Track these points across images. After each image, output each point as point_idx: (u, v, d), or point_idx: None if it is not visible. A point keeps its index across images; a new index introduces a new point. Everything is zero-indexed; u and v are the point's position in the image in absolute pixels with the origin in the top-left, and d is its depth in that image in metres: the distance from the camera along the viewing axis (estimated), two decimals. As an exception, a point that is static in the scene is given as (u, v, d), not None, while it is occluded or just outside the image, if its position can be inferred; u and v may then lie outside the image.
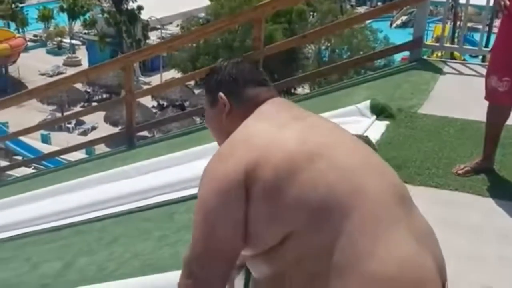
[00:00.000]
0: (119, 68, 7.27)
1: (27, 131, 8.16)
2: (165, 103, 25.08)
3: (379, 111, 3.75)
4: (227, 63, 1.38)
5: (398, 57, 15.18)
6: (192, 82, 26.88)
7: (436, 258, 1.17)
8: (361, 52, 20.63)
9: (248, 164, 1.16)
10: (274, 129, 1.22)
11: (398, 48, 6.15)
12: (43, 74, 29.01)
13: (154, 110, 24.36)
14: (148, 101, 24.60)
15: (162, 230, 3.08)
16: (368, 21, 23.43)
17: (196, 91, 25.70)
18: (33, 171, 9.26)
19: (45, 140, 21.29)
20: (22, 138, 19.19)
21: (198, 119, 18.82)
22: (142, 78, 27.49)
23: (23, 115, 20.17)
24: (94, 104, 22.15)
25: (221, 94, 1.34)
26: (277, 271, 1.19)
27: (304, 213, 1.12)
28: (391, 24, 34.45)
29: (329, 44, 24.80)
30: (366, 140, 1.87)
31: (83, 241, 3.38)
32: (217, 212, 1.19)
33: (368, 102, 3.82)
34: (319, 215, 1.11)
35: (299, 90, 21.00)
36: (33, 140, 19.75)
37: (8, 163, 11.05)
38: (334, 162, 1.16)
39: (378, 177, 1.20)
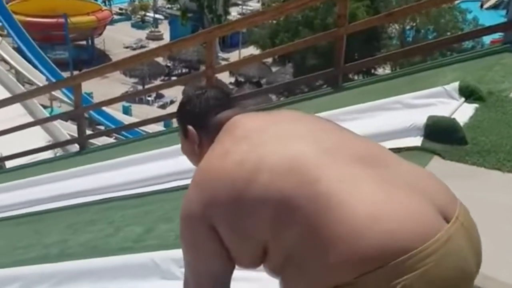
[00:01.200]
0: (201, 42, 7.36)
1: (110, 101, 8.46)
2: (242, 80, 25.26)
3: (468, 93, 3.53)
4: (194, 95, 1.48)
5: (487, 40, 14.39)
6: (269, 60, 27.01)
7: (430, 199, 1.15)
8: (448, 34, 19.71)
9: (204, 204, 1.26)
10: (219, 161, 1.29)
11: (491, 29, 5.76)
12: (127, 47, 30.03)
13: (231, 87, 24.62)
14: (226, 77, 24.91)
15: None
16: (457, 1, 22.34)
17: (274, 69, 25.71)
18: (114, 140, 9.63)
19: (126, 111, 22.13)
20: (104, 108, 20.05)
21: (274, 97, 18.85)
22: (221, 54, 27.80)
23: (106, 87, 21.03)
24: (174, 78, 22.70)
25: (190, 127, 1.45)
26: (277, 272, 1.26)
27: (266, 224, 1.20)
28: (481, 5, 32.68)
29: (414, 24, 23.87)
30: None
31: (163, 209, 3.46)
32: (196, 245, 1.31)
33: (456, 84, 3.61)
34: (280, 220, 1.18)
35: (380, 71, 20.45)
36: (115, 111, 20.58)
37: (91, 132, 11.51)
38: (275, 169, 1.20)
39: (329, 156, 1.22)
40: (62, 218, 4.04)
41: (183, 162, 4.12)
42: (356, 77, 17.04)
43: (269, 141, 1.28)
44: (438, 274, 1.07)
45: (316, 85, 15.56)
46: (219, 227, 1.26)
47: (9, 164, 9.71)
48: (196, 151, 1.47)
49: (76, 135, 7.52)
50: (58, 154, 9.61)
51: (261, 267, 1.32)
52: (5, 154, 8.31)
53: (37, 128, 15.57)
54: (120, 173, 4.51)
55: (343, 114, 4.02)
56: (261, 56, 12.22)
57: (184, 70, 27.07)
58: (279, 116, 1.42)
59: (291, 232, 1.17)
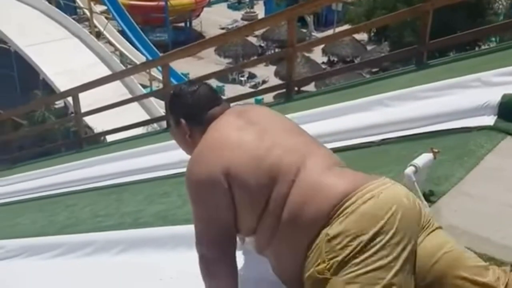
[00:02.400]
0: (283, 21, 7.35)
1: (200, 79, 8.71)
2: (335, 59, 24.88)
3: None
4: (187, 91, 1.73)
5: None
6: (365, 38, 26.32)
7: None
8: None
9: (222, 165, 1.54)
10: (230, 134, 1.62)
11: None
12: (222, 28, 30.54)
13: (324, 66, 24.35)
14: (318, 57, 24.68)
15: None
16: None
17: (369, 47, 25.02)
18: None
19: (220, 91, 22.62)
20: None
21: (366, 75, 18.39)
22: (315, 34, 27.52)
23: (201, 67, 21.58)
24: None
25: (182, 120, 1.72)
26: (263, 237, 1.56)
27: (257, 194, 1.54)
28: None
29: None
30: None
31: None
32: (211, 201, 1.55)
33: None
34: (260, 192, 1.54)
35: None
36: (209, 91, 21.11)
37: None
38: (270, 153, 1.56)
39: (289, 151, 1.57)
40: (141, 189, 4.27)
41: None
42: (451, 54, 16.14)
43: (250, 137, 1.60)
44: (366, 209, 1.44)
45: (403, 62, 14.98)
46: (233, 185, 1.53)
47: (110, 138, 10.42)
48: (188, 141, 1.76)
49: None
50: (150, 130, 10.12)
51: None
52: (107, 129, 8.90)
53: (136, 106, 16.44)
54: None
55: (421, 92, 3.92)
56: (349, 32, 11.93)
57: (277, 50, 27.11)
58: (256, 114, 1.71)
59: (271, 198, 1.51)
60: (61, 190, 5.22)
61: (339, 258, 1.38)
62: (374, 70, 18.11)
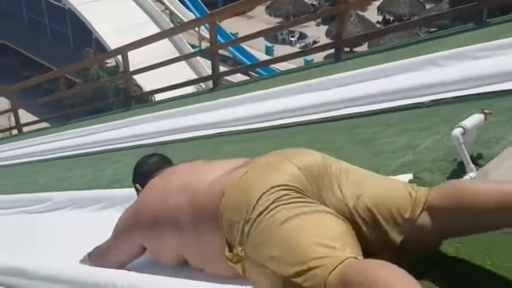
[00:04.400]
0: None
1: (242, 39, 8.60)
2: (391, 18, 24.06)
3: None
4: (145, 160, 2.16)
5: None
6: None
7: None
8: None
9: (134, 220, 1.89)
10: (157, 190, 1.87)
11: None
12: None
13: (378, 26, 23.63)
14: (373, 15, 23.96)
15: (339, 142, 3.03)
16: None
17: (428, 6, 24.03)
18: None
19: (269, 52, 22.41)
20: (248, 49, 20.54)
21: (421, 34, 17.73)
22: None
23: (251, 27, 21.36)
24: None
25: (137, 185, 2.09)
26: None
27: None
28: None
29: None
30: None
31: (270, 144, 3.55)
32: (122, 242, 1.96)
33: None
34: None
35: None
36: (258, 52, 20.97)
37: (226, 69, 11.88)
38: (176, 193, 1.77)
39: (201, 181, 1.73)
40: (184, 148, 4.30)
41: (297, 100, 4.18)
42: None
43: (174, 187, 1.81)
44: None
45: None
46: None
47: (158, 97, 10.54)
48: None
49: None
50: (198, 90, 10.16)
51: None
52: (155, 88, 8.96)
53: (185, 65, 16.54)
54: (240, 109, 4.65)
55: (477, 51, 3.72)
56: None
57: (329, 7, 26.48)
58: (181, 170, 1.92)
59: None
60: (108, 147, 5.32)
61: (237, 236, 1.47)
62: (432, 30, 17.44)
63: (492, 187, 1.43)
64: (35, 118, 12.69)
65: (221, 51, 19.07)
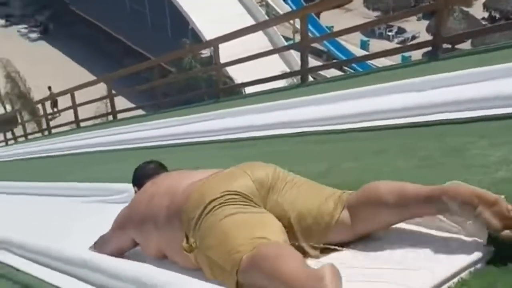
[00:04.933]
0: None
1: (336, 34, 8.37)
2: (497, 15, 22.59)
3: None
4: (143, 165, 2.49)
5: None
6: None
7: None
8: None
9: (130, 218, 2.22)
10: (146, 193, 2.19)
11: None
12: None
13: (483, 23, 22.26)
14: (479, 12, 22.63)
15: (427, 150, 2.79)
16: None
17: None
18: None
19: (364, 46, 21.82)
20: (343, 43, 20.11)
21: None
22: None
23: (348, 20, 20.91)
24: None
25: (135, 188, 2.43)
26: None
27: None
28: None
29: None
30: None
31: (347, 148, 3.37)
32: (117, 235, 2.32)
33: None
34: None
35: None
36: (352, 46, 20.48)
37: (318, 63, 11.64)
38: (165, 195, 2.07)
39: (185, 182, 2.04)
40: (263, 146, 4.20)
41: (386, 101, 3.93)
42: None
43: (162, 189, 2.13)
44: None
45: None
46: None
47: (248, 90, 10.55)
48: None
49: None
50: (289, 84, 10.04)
51: None
52: (246, 80, 8.95)
53: (277, 58, 16.50)
54: (325, 108, 4.48)
55: None
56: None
57: (431, 2, 25.31)
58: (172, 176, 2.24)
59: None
60: (190, 139, 5.34)
61: (191, 230, 1.85)
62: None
63: (393, 188, 1.76)
64: (131, 105, 13.24)
65: (316, 45, 18.87)
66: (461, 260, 1.56)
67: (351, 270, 1.58)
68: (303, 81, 6.93)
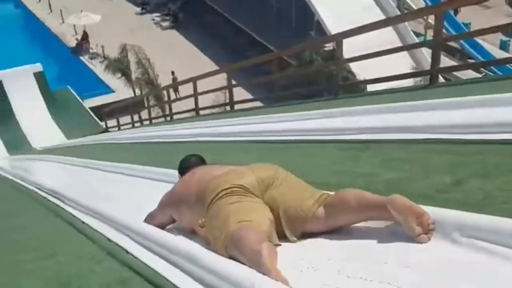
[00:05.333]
0: None
1: (474, 33, 7.55)
2: None
3: None
4: (187, 158, 3.15)
5: None
6: None
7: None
8: None
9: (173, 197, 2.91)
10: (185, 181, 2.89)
11: None
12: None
13: None
14: None
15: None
16: None
17: None
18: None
19: (504, 47, 19.97)
20: (480, 41, 18.56)
21: None
22: None
23: (488, 18, 19.22)
24: None
25: (179, 175, 3.11)
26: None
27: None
28: None
29: None
30: None
31: (481, 162, 2.88)
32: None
33: None
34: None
35: None
36: (491, 46, 18.84)
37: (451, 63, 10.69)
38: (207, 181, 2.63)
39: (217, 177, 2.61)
40: (380, 150, 3.77)
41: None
42: None
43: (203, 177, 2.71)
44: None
45: None
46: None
47: (370, 87, 9.98)
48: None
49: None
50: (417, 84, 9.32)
51: None
52: (369, 76, 8.46)
53: (405, 55, 15.60)
54: (459, 114, 3.93)
55: None
56: None
57: None
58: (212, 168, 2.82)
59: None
60: (299, 137, 4.98)
61: (205, 211, 2.50)
62: None
63: (356, 195, 2.31)
64: (248, 96, 13.21)
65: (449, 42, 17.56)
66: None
67: (318, 252, 2.24)
68: (432, 81, 6.28)
